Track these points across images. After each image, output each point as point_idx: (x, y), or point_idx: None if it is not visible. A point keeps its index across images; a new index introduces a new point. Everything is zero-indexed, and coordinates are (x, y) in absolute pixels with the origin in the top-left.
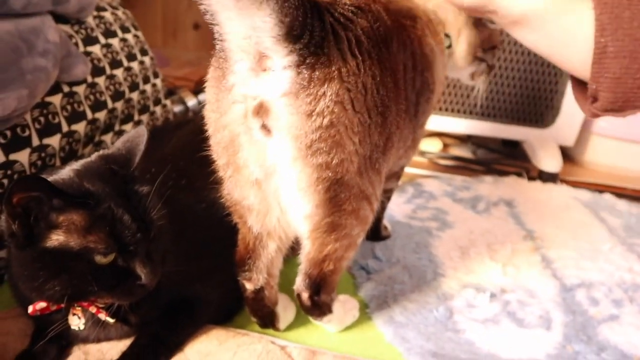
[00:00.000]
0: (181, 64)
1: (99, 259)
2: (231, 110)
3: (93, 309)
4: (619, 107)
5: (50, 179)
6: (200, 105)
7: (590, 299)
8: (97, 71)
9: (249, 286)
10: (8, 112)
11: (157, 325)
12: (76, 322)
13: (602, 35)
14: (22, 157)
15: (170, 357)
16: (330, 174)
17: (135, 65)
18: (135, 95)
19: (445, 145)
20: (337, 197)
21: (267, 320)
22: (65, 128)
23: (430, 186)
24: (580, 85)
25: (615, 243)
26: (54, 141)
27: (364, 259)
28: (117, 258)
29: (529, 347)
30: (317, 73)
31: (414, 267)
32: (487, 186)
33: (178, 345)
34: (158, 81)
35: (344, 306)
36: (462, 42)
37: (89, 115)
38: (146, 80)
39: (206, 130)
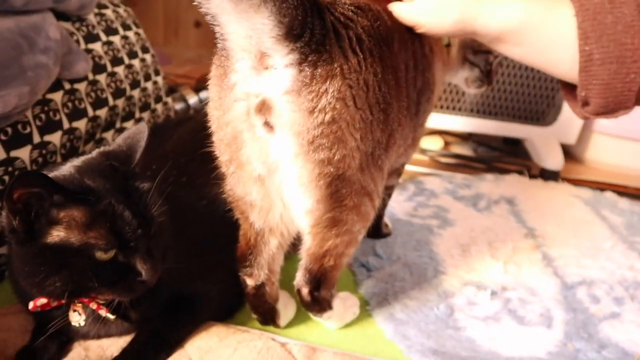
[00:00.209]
0: (182, 61)
1: (100, 255)
2: (234, 108)
3: (94, 305)
4: (610, 110)
5: (51, 175)
6: (202, 102)
7: (591, 296)
8: (98, 68)
9: (250, 282)
10: (9, 109)
11: (157, 322)
12: (77, 318)
13: (587, 43)
14: (23, 154)
15: (171, 354)
16: (331, 170)
17: (136, 62)
18: (136, 93)
19: (447, 143)
20: (338, 192)
21: (268, 316)
22: (66, 125)
23: (432, 184)
24: (569, 87)
25: (616, 241)
26: (55, 138)
27: (364, 256)
28: (118, 254)
29: (530, 345)
30: (319, 70)
31: (415, 264)
32: (488, 184)
33: (178, 341)
34: (159, 79)
35: (345, 303)
36: (458, 41)
37: (90, 112)
38: (147, 77)
39: (209, 127)
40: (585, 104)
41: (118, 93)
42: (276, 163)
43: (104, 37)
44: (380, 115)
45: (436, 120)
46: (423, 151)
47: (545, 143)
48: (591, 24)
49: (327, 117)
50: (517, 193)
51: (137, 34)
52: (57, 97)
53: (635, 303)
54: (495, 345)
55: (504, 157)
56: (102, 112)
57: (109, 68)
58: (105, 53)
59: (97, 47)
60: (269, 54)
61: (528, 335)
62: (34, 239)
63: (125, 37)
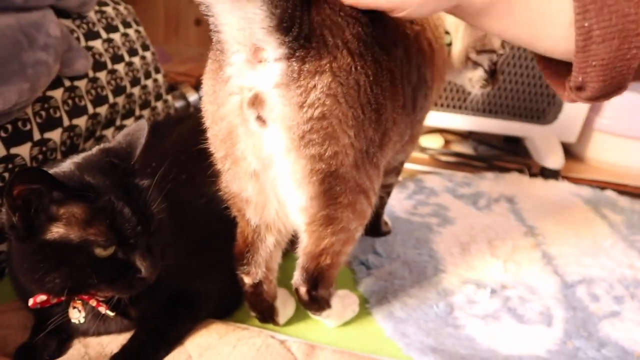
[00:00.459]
0: (183, 59)
1: (99, 251)
2: (228, 102)
3: (93, 302)
4: (606, 94)
5: (50, 171)
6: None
7: (591, 295)
8: (99, 66)
9: (248, 280)
10: (9, 105)
11: (157, 319)
12: (76, 315)
13: (585, 18)
14: (23, 151)
15: (170, 351)
16: (323, 166)
17: (136, 60)
18: (136, 90)
19: (447, 142)
20: (332, 189)
21: (267, 314)
22: (66, 122)
23: (431, 182)
24: (552, 68)
25: (616, 240)
26: (55, 135)
27: (364, 254)
28: (117, 251)
29: (530, 343)
30: (307, 66)
31: (414, 262)
32: (488, 182)
33: (178, 339)
34: (159, 76)
35: (343, 301)
36: (458, 40)
37: (90, 109)
38: (147, 75)
39: (204, 123)
40: (579, 89)
41: (118, 90)
42: (270, 157)
43: (104, 35)
44: (373, 115)
45: (436, 118)
46: (423, 149)
47: (545, 141)
48: None
49: (317, 112)
50: (517, 191)
51: (137, 31)
52: (58, 94)
53: (635, 302)
54: (495, 344)
55: (504, 155)
56: (103, 110)
57: (109, 65)
58: (106, 50)
59: (97, 44)
60: (261, 46)
61: (527, 333)
62: (33, 235)
63: (125, 35)
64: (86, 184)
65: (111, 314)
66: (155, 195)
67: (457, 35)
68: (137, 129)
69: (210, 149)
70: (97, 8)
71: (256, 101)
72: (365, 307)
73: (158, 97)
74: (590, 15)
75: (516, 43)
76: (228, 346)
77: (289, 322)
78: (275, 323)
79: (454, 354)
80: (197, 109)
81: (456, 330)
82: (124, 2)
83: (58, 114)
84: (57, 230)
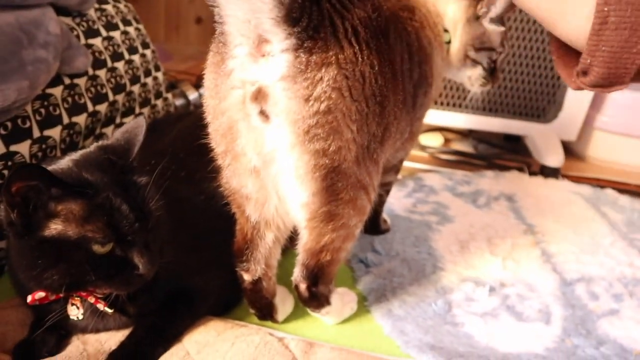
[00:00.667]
0: (183, 58)
1: (97, 248)
2: (230, 96)
3: (92, 299)
4: (608, 83)
5: (49, 168)
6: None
7: (590, 293)
8: (98, 64)
9: (247, 277)
10: (8, 103)
11: (155, 316)
12: (75, 312)
13: (607, 3)
14: (23, 148)
15: (168, 348)
16: (327, 161)
17: (136, 58)
18: (136, 88)
19: (447, 140)
20: (334, 185)
21: (265, 311)
22: (66, 120)
23: (431, 180)
24: (564, 56)
25: (616, 238)
26: (55, 133)
27: (363, 252)
28: (115, 248)
29: (528, 341)
30: (314, 57)
31: (414, 260)
32: (488, 181)
33: (176, 336)
34: (159, 74)
35: (343, 299)
36: (457, 38)
37: (90, 107)
38: (147, 73)
39: (205, 118)
40: (584, 73)
41: (118, 88)
42: (271, 154)
43: (104, 33)
44: (376, 108)
45: (436, 117)
46: (423, 148)
47: (545, 140)
48: None
49: (323, 106)
50: (517, 190)
51: (137, 29)
52: (57, 91)
53: (634, 300)
54: (493, 341)
55: (504, 154)
56: (102, 108)
57: (109, 63)
58: (106, 48)
59: (97, 42)
60: (267, 37)
61: (526, 331)
62: (31, 232)
63: (125, 33)
64: (84, 181)
65: (109, 310)
66: (153, 192)
67: (455, 33)
68: (135, 126)
69: (210, 145)
70: (97, 6)
71: (259, 95)
72: (364, 305)
73: (158, 95)
74: (611, 2)
75: (541, 21)
76: (226, 343)
77: (288, 320)
78: (274, 320)
79: (452, 351)
80: (197, 107)
81: (455, 328)
82: (124, 0)
83: (58, 112)
84: (55, 227)
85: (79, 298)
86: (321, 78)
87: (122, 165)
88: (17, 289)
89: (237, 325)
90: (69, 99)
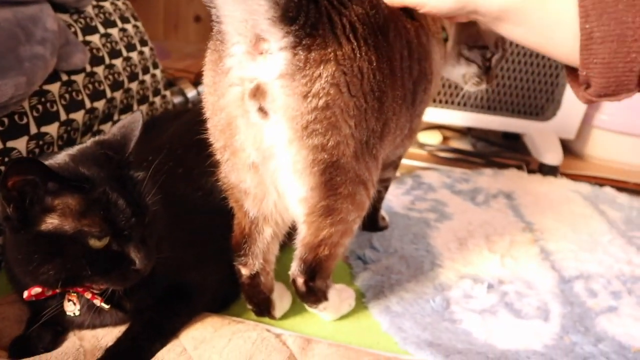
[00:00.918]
0: (182, 56)
1: (93, 242)
2: (228, 93)
3: (88, 295)
4: (612, 92)
5: (45, 163)
6: (200, 96)
7: (589, 290)
8: (96, 60)
9: (245, 271)
10: (5, 99)
11: (152, 312)
12: (71, 308)
13: (587, 21)
14: (20, 144)
15: (165, 344)
16: (325, 156)
17: (134, 55)
18: (134, 86)
19: (445, 138)
20: (332, 180)
21: (263, 307)
22: (63, 117)
23: (430, 178)
24: (573, 71)
25: (614, 236)
26: (52, 129)
27: (361, 249)
28: (112, 242)
29: (526, 338)
30: (312, 54)
31: (412, 257)
32: (487, 178)
33: (173, 332)
34: (158, 72)
35: (340, 295)
36: (451, 35)
37: (88, 104)
38: (145, 70)
39: (204, 114)
40: (587, 85)
41: (116, 85)
42: (270, 149)
43: (102, 30)
44: (375, 104)
45: (435, 114)
46: (422, 146)
47: (544, 138)
48: (592, 1)
49: (321, 102)
50: (516, 187)
51: (135, 26)
52: (54, 88)
53: (632, 297)
54: (492, 338)
55: (502, 152)
56: (100, 104)
57: (107, 60)
58: (103, 45)
59: (95, 39)
60: (264, 37)
61: (524, 328)
62: (28, 226)
63: (123, 30)
64: (81, 175)
65: (106, 306)
66: (149, 187)
67: (451, 31)
68: (132, 120)
69: (208, 141)
70: (94, 3)
71: (258, 92)
72: (362, 301)
73: (156, 92)
74: (592, 19)
75: (533, 48)
76: (223, 339)
77: (285, 316)
78: (271, 316)
79: (450, 348)
80: (195, 104)
81: (453, 325)
82: None
83: (55, 108)
84: (51, 221)
85: (75, 294)
86: (319, 75)
87: (118, 160)
88: (13, 284)
89: (234, 321)
90: (67, 96)
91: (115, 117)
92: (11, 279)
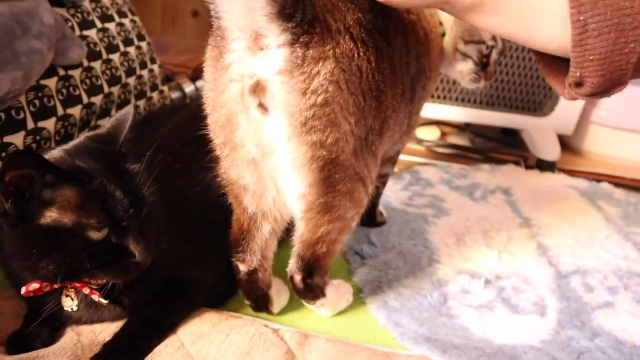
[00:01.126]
0: (180, 51)
1: (92, 234)
2: (228, 89)
3: (86, 290)
4: (606, 89)
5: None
6: (198, 91)
7: (585, 285)
8: (93, 55)
9: (243, 268)
10: (2, 94)
11: (150, 307)
12: (69, 303)
13: (580, 12)
14: (17, 139)
15: (163, 339)
16: (324, 153)
17: (132, 50)
18: (131, 81)
19: (443, 134)
20: (331, 177)
21: (261, 303)
22: (60, 111)
23: (427, 174)
24: (550, 64)
25: (611, 231)
26: (49, 124)
27: (358, 244)
28: (111, 234)
29: (523, 333)
30: (311, 52)
31: (409, 253)
32: (485, 174)
33: (171, 327)
34: (155, 67)
35: (338, 290)
36: (448, 30)
37: (85, 99)
38: (143, 65)
39: (204, 110)
40: (578, 84)
41: (113, 80)
42: (270, 145)
43: (99, 24)
44: (373, 102)
45: (433, 110)
46: (419, 141)
47: (542, 134)
48: None
49: (320, 99)
50: (513, 183)
51: (132, 21)
52: (52, 83)
53: (628, 292)
54: (489, 333)
55: (500, 147)
56: (97, 99)
57: (104, 55)
58: (101, 40)
59: (92, 33)
60: (263, 33)
61: (521, 323)
62: (26, 221)
63: (120, 25)
64: (78, 168)
65: (104, 301)
66: (145, 178)
67: (448, 26)
68: (124, 113)
69: (206, 137)
70: None
71: (257, 88)
72: (360, 297)
73: (154, 87)
74: (585, 9)
75: (511, 39)
76: (221, 334)
77: (283, 312)
78: (269, 312)
79: (447, 343)
80: (193, 100)
81: (450, 320)
82: None
83: (52, 103)
84: (50, 215)
85: (73, 289)
86: (318, 72)
87: (113, 153)
88: (11, 280)
89: (232, 316)
90: (64, 91)
91: (113, 112)
92: (8, 274)
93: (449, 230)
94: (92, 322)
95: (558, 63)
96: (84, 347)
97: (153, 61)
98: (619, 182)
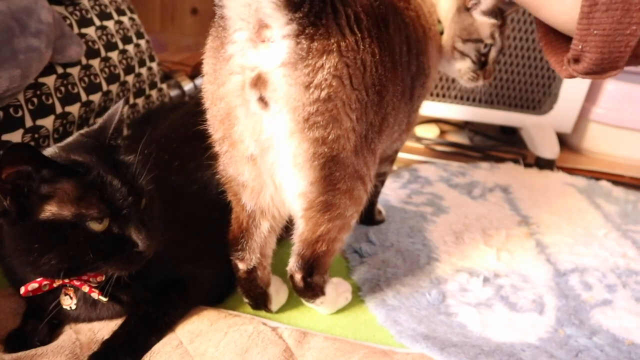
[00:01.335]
0: (179, 49)
1: (94, 225)
2: (228, 82)
3: (85, 289)
4: (602, 69)
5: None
6: (197, 89)
7: (584, 283)
8: (92, 53)
9: (242, 266)
10: (0, 92)
11: (148, 306)
12: (68, 302)
13: None
14: (15, 137)
15: (161, 337)
16: (326, 150)
17: (130, 48)
18: (130, 79)
19: (443, 132)
20: (332, 175)
21: (260, 301)
22: (59, 109)
23: (426, 172)
24: (552, 42)
25: (610, 229)
26: (48, 122)
27: (357, 242)
28: (112, 225)
29: (521, 331)
30: (315, 44)
31: (408, 251)
32: (483, 172)
33: (169, 325)
34: (154, 65)
35: (337, 289)
36: (446, 28)
37: (84, 97)
38: (142, 63)
39: (202, 111)
40: (576, 60)
41: (112, 78)
42: (269, 141)
43: (97, 22)
44: (375, 98)
45: (432, 108)
46: (419, 139)
47: (541, 132)
48: None
49: (323, 93)
50: (512, 181)
51: (131, 19)
52: (50, 81)
53: (627, 290)
54: (487, 331)
55: (499, 145)
56: (96, 97)
57: (103, 53)
58: (99, 38)
59: (90, 31)
60: (267, 23)
61: (520, 321)
62: (26, 217)
63: (119, 22)
64: (74, 162)
65: (104, 299)
66: (141, 169)
67: (446, 24)
68: (115, 107)
69: (204, 134)
70: None
71: (259, 81)
72: (358, 295)
73: (153, 85)
74: None
75: (525, 5)
76: (219, 333)
77: (282, 310)
78: (268, 310)
79: (446, 341)
80: (192, 97)
81: (448, 318)
82: None
83: (50, 101)
84: (50, 209)
85: (72, 288)
86: (322, 65)
87: (107, 146)
88: (10, 278)
89: (230, 314)
90: (62, 89)
91: None
92: (7, 272)
93: (448, 229)
94: (90, 320)
95: (559, 42)
96: (82, 345)
97: (152, 59)
98: (618, 180)
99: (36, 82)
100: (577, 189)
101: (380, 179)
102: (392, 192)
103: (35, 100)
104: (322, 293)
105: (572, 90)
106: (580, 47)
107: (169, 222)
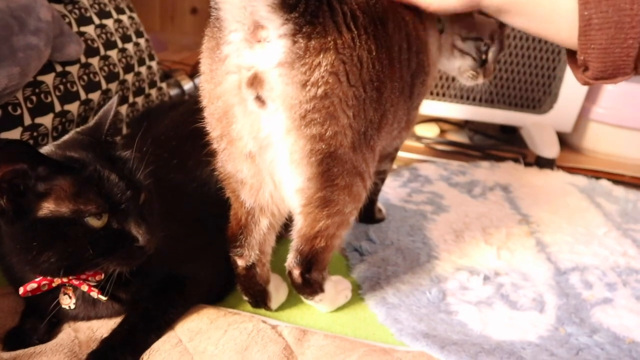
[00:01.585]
0: (179, 48)
1: (92, 221)
2: (225, 81)
3: (84, 288)
4: (609, 75)
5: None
6: (197, 88)
7: (584, 282)
8: (91, 52)
9: (241, 262)
10: None
11: (147, 303)
12: (67, 301)
13: (586, 8)
14: (14, 136)
15: (161, 335)
16: (323, 146)
17: (130, 46)
18: (130, 77)
19: (443, 131)
20: (330, 171)
21: (259, 298)
22: (57, 108)
23: (426, 170)
24: (573, 54)
25: (610, 228)
26: (47, 121)
27: (357, 240)
28: (111, 220)
29: (522, 329)
30: (312, 42)
31: (408, 249)
32: (484, 171)
33: (168, 323)
34: (154, 64)
35: (337, 287)
36: (447, 28)
37: (83, 95)
38: (141, 62)
39: (201, 103)
40: (585, 68)
41: (111, 77)
42: (267, 139)
43: (97, 21)
44: (374, 94)
45: (432, 107)
46: (419, 138)
47: (541, 131)
48: None
49: (320, 91)
50: (512, 180)
51: (131, 18)
52: (49, 79)
53: (627, 289)
54: (487, 330)
55: (499, 144)
56: (95, 96)
57: (102, 51)
58: (98, 36)
59: (89, 30)
60: (263, 24)
61: (520, 319)
62: (24, 216)
63: (118, 21)
64: (70, 158)
65: (103, 298)
66: (138, 164)
67: (446, 23)
68: (109, 103)
69: (203, 132)
70: None
71: (255, 81)
72: (358, 293)
73: (152, 84)
74: (590, 6)
75: (537, 36)
76: (219, 331)
77: (281, 308)
78: (267, 308)
79: (446, 339)
80: (192, 96)
81: (449, 317)
82: None
83: (49, 99)
84: (47, 206)
85: (71, 287)
86: (319, 63)
87: (103, 142)
88: (8, 277)
89: (229, 312)
90: (61, 87)
91: None
92: (5, 271)
93: (448, 227)
94: (89, 318)
95: (574, 52)
96: (81, 344)
97: (152, 58)
98: (618, 180)
99: (35, 80)
100: (578, 188)
101: (381, 176)
102: (392, 191)
103: (34, 98)
104: (321, 290)
105: (572, 90)
106: (582, 58)
107: (169, 220)
